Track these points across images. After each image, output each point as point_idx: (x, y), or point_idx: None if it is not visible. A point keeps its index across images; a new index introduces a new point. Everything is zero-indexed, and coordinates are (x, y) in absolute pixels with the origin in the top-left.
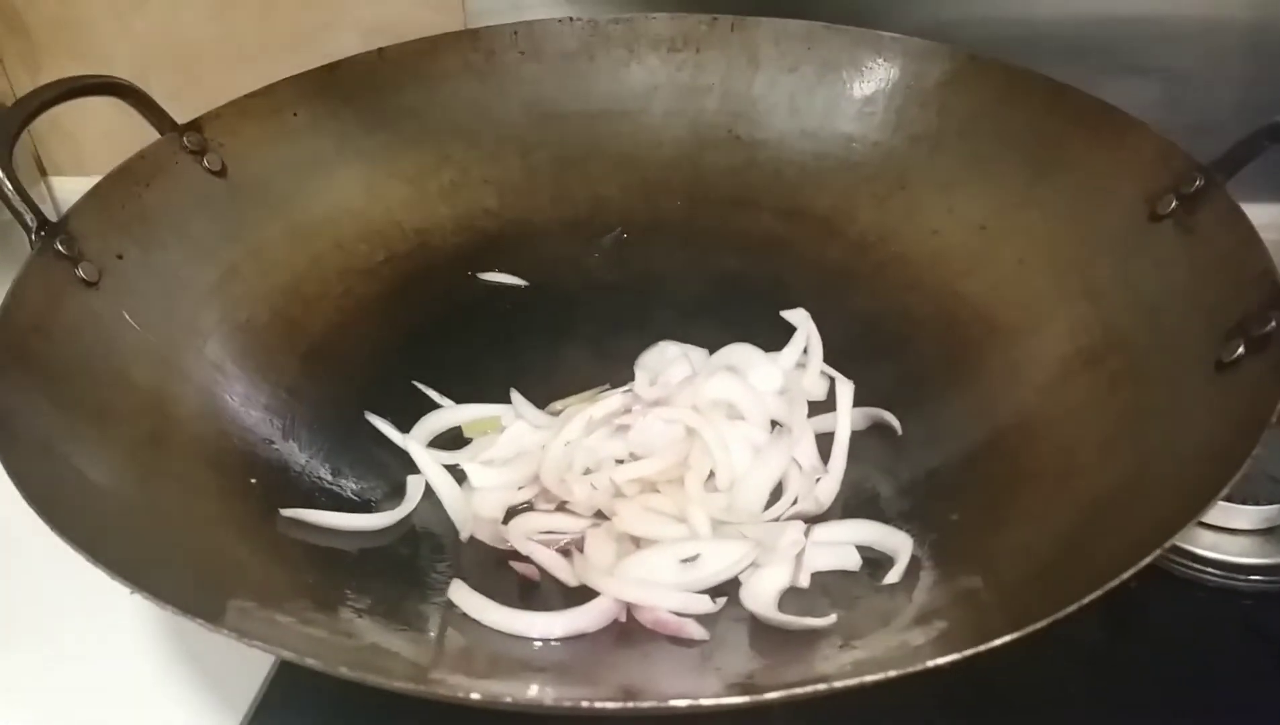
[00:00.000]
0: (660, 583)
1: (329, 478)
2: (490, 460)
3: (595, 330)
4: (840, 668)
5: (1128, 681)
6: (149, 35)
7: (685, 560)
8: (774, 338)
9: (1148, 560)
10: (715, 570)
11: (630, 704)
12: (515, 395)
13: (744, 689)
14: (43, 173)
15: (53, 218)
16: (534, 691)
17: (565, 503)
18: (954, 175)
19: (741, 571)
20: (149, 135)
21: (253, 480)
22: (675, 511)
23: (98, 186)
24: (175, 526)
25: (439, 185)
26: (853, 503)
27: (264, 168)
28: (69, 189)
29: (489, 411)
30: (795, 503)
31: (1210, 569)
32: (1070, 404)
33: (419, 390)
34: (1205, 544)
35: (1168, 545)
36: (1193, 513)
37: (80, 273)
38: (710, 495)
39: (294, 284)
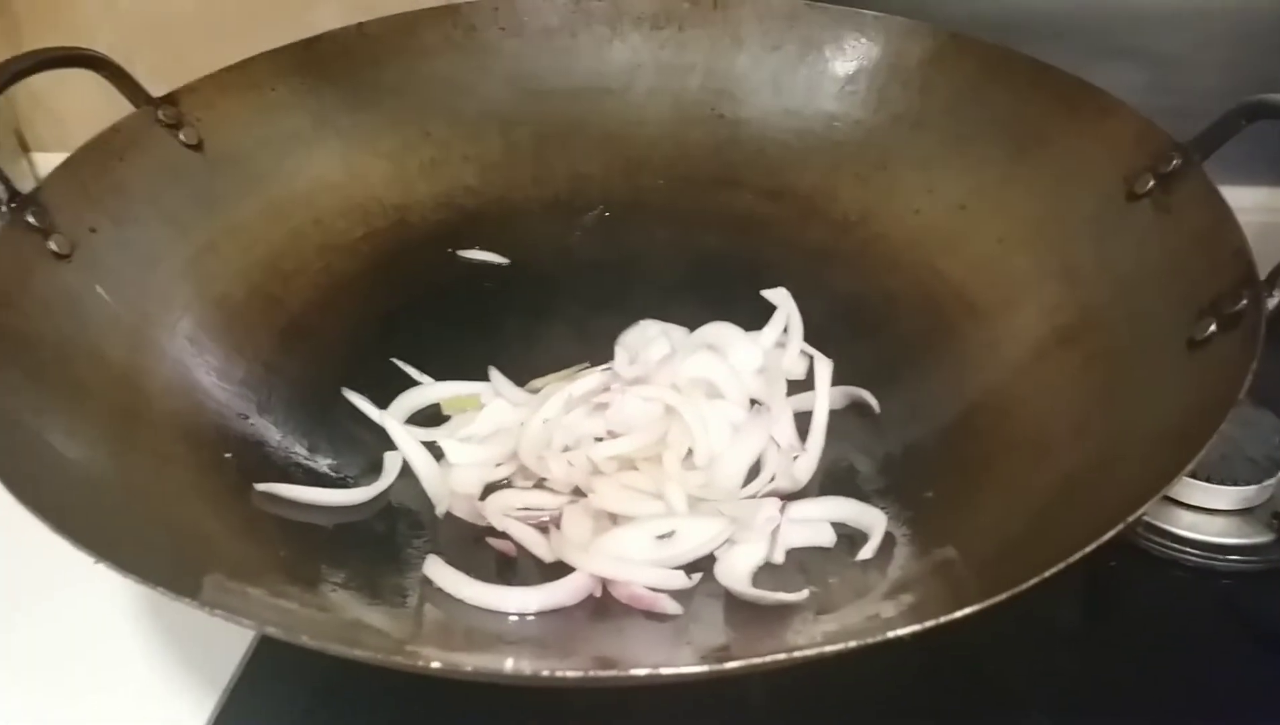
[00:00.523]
0: (636, 558)
1: (305, 453)
2: (468, 437)
3: (575, 308)
4: (810, 639)
5: (1108, 660)
6: (132, 11)
7: (661, 537)
8: (754, 317)
9: (1114, 532)
10: (691, 547)
11: (593, 673)
12: (494, 373)
13: (708, 659)
14: (25, 149)
15: None
16: (506, 664)
17: (543, 480)
18: (935, 154)
19: (717, 548)
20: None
21: (227, 455)
22: (653, 488)
23: (71, 159)
24: (148, 501)
25: (419, 162)
26: (830, 480)
27: (241, 142)
28: (52, 164)
29: (468, 389)
30: (773, 480)
31: (1189, 549)
32: (1045, 382)
33: (397, 367)
34: (1184, 524)
35: (1134, 518)
36: (1159, 486)
37: (52, 246)
38: (688, 473)
39: (271, 260)
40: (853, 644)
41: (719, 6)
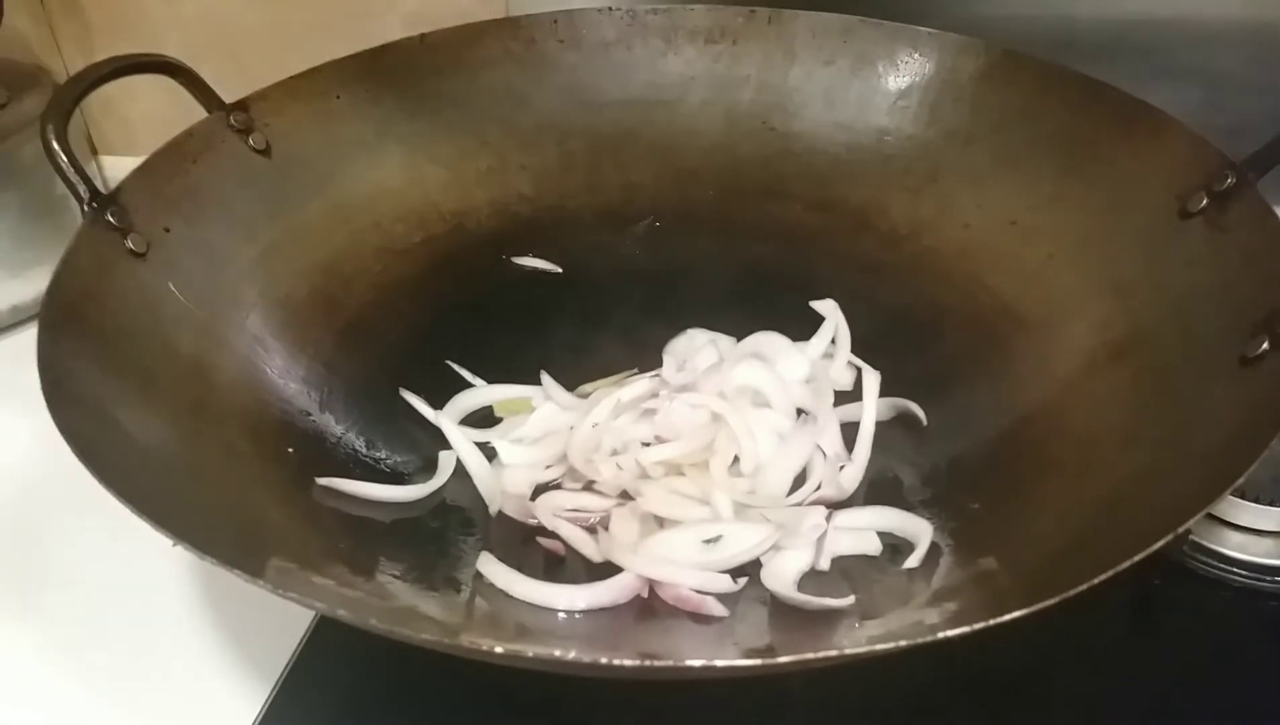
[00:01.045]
0: (683, 561)
1: (363, 450)
2: (520, 439)
3: (625, 316)
4: (854, 640)
5: (1153, 679)
6: (198, 19)
7: (708, 541)
8: (802, 328)
9: (1158, 545)
10: (737, 551)
11: (647, 663)
12: (545, 377)
13: (758, 654)
14: (94, 151)
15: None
16: (564, 652)
17: (592, 482)
18: (986, 170)
19: (763, 553)
20: (197, 116)
21: (290, 449)
22: (699, 494)
23: (148, 162)
24: (216, 489)
25: (476, 170)
26: (875, 490)
27: (307, 148)
28: (119, 167)
29: (520, 392)
30: (819, 489)
31: (1236, 569)
32: (1094, 397)
33: (452, 369)
34: (1232, 545)
35: (1180, 532)
36: (1206, 502)
37: (129, 244)
38: (734, 479)
39: (333, 262)
40: (902, 643)
41: (773, 21)
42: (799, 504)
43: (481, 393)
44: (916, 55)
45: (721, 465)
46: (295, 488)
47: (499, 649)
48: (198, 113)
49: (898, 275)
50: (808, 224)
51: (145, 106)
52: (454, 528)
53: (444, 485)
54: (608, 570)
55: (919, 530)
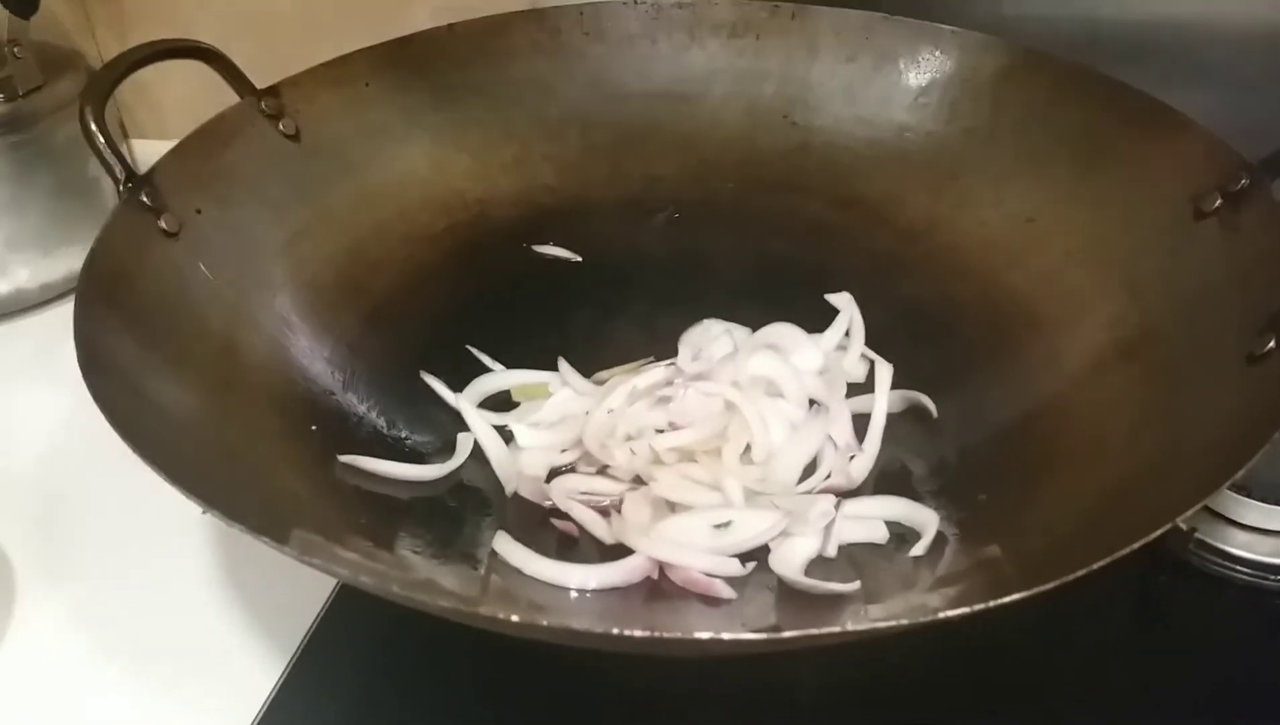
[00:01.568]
0: (693, 545)
1: (385, 429)
2: (536, 423)
3: (643, 305)
4: (856, 619)
5: (1157, 675)
6: (230, 4)
7: (718, 526)
8: (817, 320)
9: (1156, 534)
10: (746, 537)
11: (659, 634)
12: (563, 363)
13: (764, 630)
14: (125, 135)
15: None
16: (577, 622)
17: (606, 467)
18: (1005, 168)
19: (772, 539)
20: (227, 101)
21: (314, 427)
22: (711, 480)
23: (181, 144)
24: (243, 462)
25: (501, 160)
26: (884, 480)
27: (336, 134)
28: (150, 150)
29: (537, 377)
30: (829, 478)
31: (1241, 567)
32: (1103, 393)
33: (472, 354)
34: (1238, 543)
35: (1181, 520)
36: (1205, 494)
37: (162, 224)
38: (745, 467)
39: (359, 247)
40: (904, 621)
41: (796, 17)
42: (809, 492)
43: (500, 377)
44: (938, 53)
45: (734, 452)
46: (319, 464)
47: (515, 618)
48: (228, 98)
49: (913, 270)
50: (826, 218)
51: (177, 91)
52: (471, 507)
53: (462, 466)
54: (619, 552)
55: (926, 519)
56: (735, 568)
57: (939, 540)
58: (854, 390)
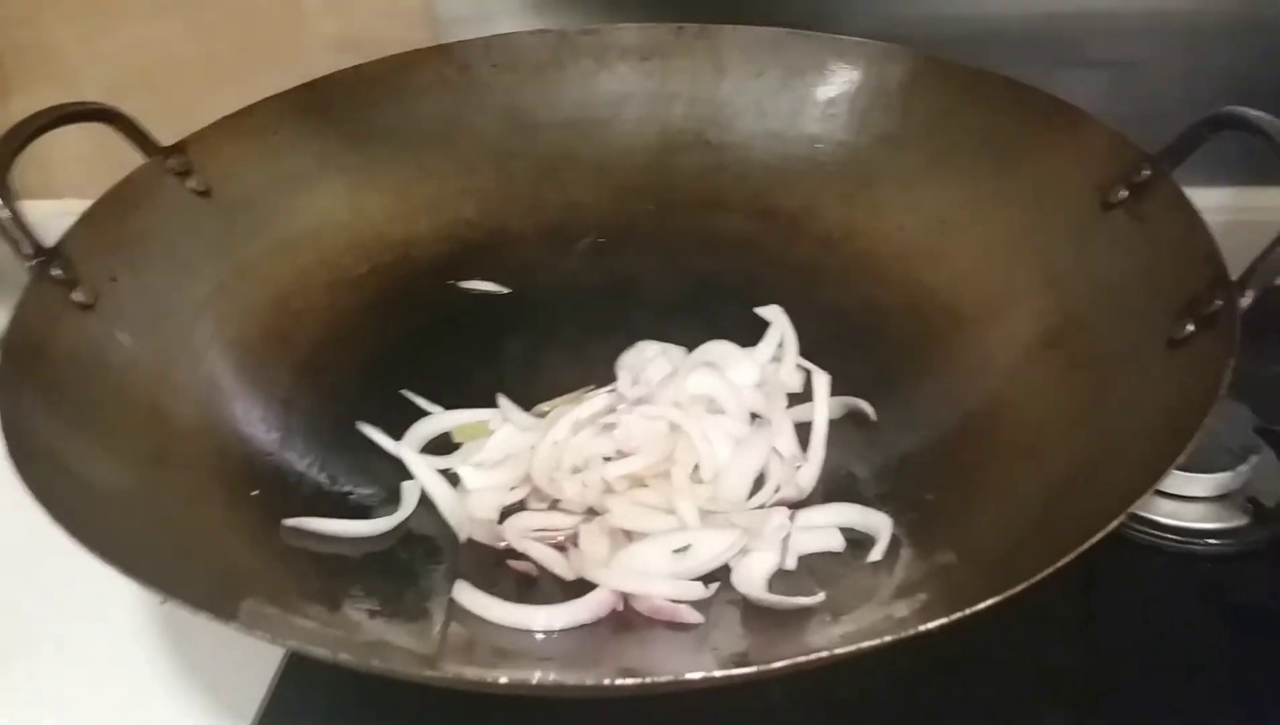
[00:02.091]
0: (655, 572)
1: (328, 485)
2: (481, 463)
3: (575, 333)
4: (827, 640)
5: (1093, 644)
6: (117, 56)
7: (677, 550)
8: (749, 334)
9: (1110, 528)
10: (706, 558)
11: (620, 682)
12: (502, 399)
13: (728, 664)
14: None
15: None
16: (535, 675)
17: (557, 501)
18: (917, 173)
19: (731, 558)
20: (119, 156)
21: (255, 492)
22: (664, 504)
23: (89, 212)
24: (185, 535)
25: (419, 197)
26: (832, 488)
27: (248, 186)
28: (40, 211)
29: (477, 416)
30: (778, 490)
31: (1169, 535)
32: (1034, 386)
33: (408, 398)
34: (1165, 512)
35: (1126, 514)
36: (1150, 482)
37: (77, 297)
38: (696, 487)
39: (282, 298)
40: (888, 638)
41: (701, 36)
42: (761, 506)
43: (439, 420)
44: (843, 64)
45: (683, 474)
46: (263, 529)
47: (468, 675)
48: (119, 153)
49: (837, 278)
50: (746, 232)
51: (64, 149)
52: (422, 557)
53: (409, 516)
54: (581, 587)
55: (879, 524)
56: (699, 591)
57: (893, 543)
58: (792, 400)
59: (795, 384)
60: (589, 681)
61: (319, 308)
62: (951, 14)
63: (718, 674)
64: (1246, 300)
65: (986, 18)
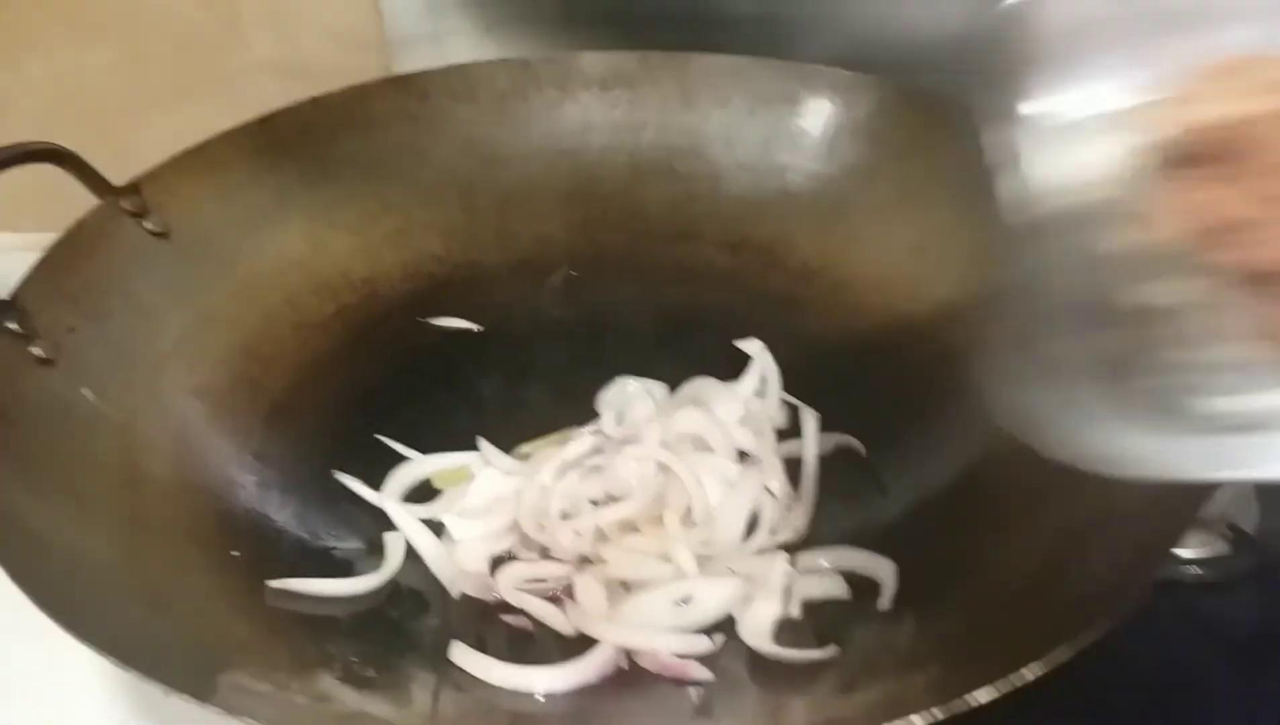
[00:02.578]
0: (658, 626)
1: (309, 541)
2: (465, 511)
3: (551, 369)
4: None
5: (1073, 667)
6: (48, 83)
7: (679, 602)
8: (726, 366)
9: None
10: (710, 610)
11: None
12: (482, 442)
13: None
14: None
15: None
16: None
17: (547, 549)
18: (889, 201)
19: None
20: (60, 191)
21: (235, 552)
22: (659, 550)
23: (43, 260)
24: (166, 604)
25: (383, 233)
26: (826, 528)
27: (206, 226)
28: None
29: (457, 460)
30: (774, 533)
31: None
32: None
33: (384, 443)
34: None
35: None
36: (1172, 540)
37: (36, 351)
38: (689, 530)
39: (249, 343)
40: (939, 714)
41: (666, 65)
42: (758, 551)
43: (418, 466)
44: (810, 92)
45: (675, 518)
46: (247, 592)
47: None
48: (61, 188)
49: (815, 310)
50: (721, 264)
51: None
52: (412, 613)
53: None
54: (579, 641)
55: (882, 568)
56: (705, 644)
57: (898, 596)
58: (778, 436)
59: (780, 419)
60: None
61: (288, 351)
62: (913, 38)
63: None
64: None
65: (952, 41)
